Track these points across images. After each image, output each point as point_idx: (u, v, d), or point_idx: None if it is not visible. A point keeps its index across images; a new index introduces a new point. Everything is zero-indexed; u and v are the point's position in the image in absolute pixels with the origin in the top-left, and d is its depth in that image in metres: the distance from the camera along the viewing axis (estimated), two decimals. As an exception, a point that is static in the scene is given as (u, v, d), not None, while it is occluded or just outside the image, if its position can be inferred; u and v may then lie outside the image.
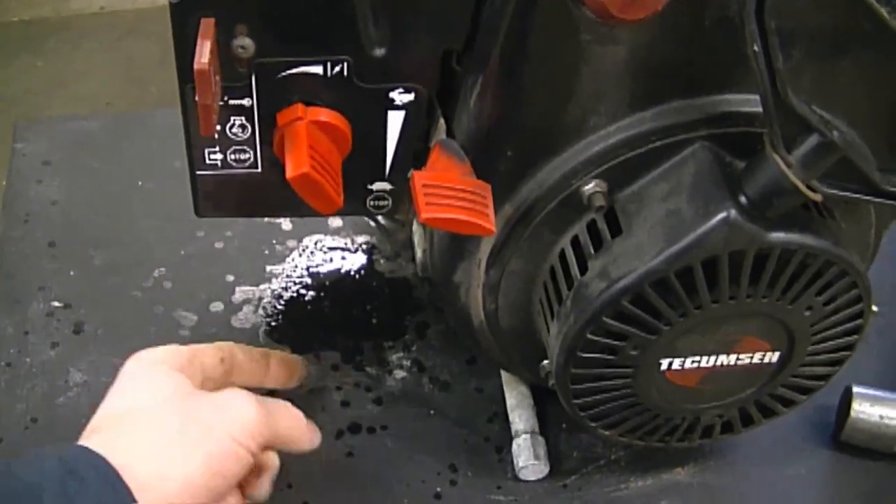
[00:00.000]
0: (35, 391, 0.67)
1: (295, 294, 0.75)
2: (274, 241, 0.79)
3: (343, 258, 0.78)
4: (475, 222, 0.49)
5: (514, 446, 0.65)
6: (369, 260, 0.78)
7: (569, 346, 0.54)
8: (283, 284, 0.76)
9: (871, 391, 0.65)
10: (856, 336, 0.56)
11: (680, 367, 0.55)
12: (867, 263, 0.60)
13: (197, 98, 0.46)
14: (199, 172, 0.55)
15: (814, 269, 0.52)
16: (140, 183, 0.82)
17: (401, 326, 0.74)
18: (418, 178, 0.50)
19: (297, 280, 0.76)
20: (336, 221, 0.80)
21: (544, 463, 0.64)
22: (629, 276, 0.51)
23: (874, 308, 0.56)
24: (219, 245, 0.78)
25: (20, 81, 2.17)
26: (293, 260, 0.78)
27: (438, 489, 0.64)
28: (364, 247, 0.79)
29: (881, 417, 0.65)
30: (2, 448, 0.64)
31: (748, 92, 0.51)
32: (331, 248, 0.79)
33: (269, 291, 0.75)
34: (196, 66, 0.45)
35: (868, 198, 0.49)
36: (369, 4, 0.49)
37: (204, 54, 0.46)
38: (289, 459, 0.64)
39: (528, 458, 0.64)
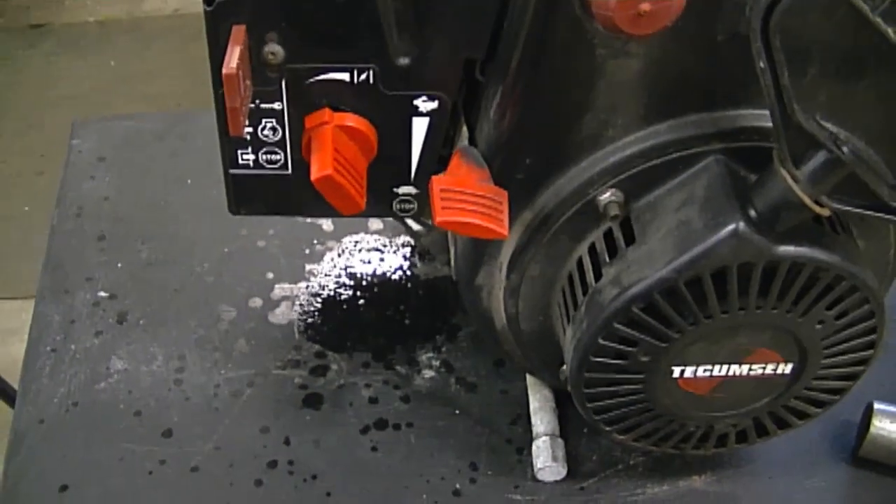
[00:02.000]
0: (77, 377, 0.71)
1: (332, 293, 0.78)
2: (315, 241, 0.81)
3: (381, 259, 0.80)
4: (488, 227, 0.51)
5: (534, 448, 0.66)
6: (406, 262, 0.80)
7: (582, 351, 0.55)
8: (321, 283, 0.78)
9: (892, 408, 0.66)
10: (870, 352, 0.57)
11: (692, 376, 0.56)
12: (887, 281, 0.61)
13: (226, 101, 0.49)
14: (232, 171, 0.58)
15: (824, 283, 0.52)
16: (189, 181, 0.85)
17: (433, 328, 0.75)
18: (436, 182, 0.52)
19: (335, 279, 0.79)
20: (376, 223, 0.82)
21: (562, 465, 0.65)
22: (640, 283, 0.52)
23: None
24: (261, 243, 0.81)
25: (91, 80, 2.24)
26: (332, 260, 0.80)
27: (458, 486, 0.66)
28: (402, 249, 0.81)
29: (901, 434, 0.65)
30: (42, 429, 0.68)
31: (762, 107, 0.52)
32: (369, 250, 0.81)
33: (306, 289, 0.78)
34: (224, 71, 0.48)
35: (877, 214, 0.50)
36: (394, 15, 0.51)
37: (233, 60, 0.48)
38: (314, 452, 0.67)
39: (546, 459, 0.65)
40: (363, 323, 0.76)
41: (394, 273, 0.79)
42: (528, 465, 0.67)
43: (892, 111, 0.51)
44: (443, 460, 0.67)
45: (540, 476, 0.65)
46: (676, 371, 0.56)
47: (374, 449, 0.68)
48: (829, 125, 0.53)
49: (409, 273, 0.79)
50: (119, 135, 0.90)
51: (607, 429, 0.60)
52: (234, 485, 0.65)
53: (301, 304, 0.77)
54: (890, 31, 0.44)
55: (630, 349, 0.55)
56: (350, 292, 0.78)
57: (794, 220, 0.50)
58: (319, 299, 0.77)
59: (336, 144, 0.53)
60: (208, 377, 0.71)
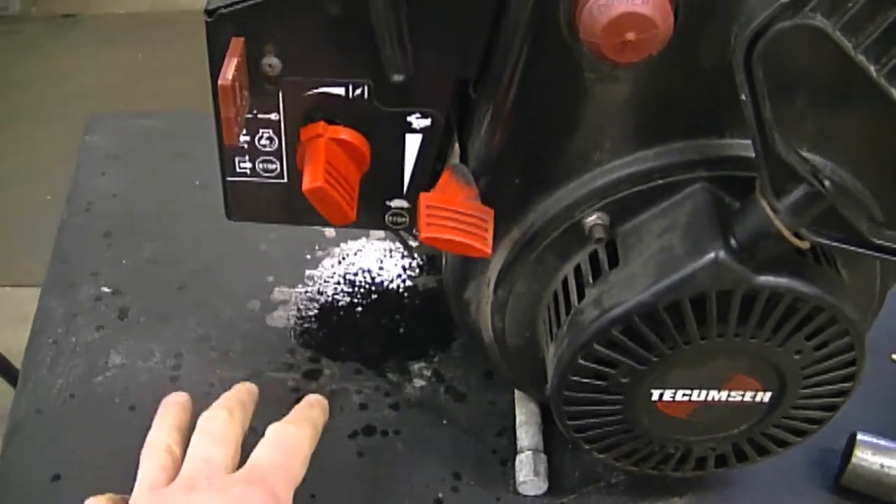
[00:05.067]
0: (76, 369, 0.72)
1: (329, 299, 0.79)
2: (316, 247, 0.83)
3: (380, 268, 0.81)
4: (471, 244, 0.52)
5: (517, 461, 0.67)
6: (405, 272, 0.81)
7: (562, 370, 0.56)
8: (320, 288, 0.80)
9: (875, 440, 0.66)
10: (850, 384, 0.57)
11: (671, 399, 0.57)
12: (872, 313, 0.61)
13: (220, 111, 0.50)
14: (229, 179, 0.59)
15: (803, 313, 0.53)
16: (197, 182, 0.87)
17: (426, 338, 0.77)
18: (424, 198, 0.53)
19: (334, 285, 0.80)
20: (378, 233, 0.84)
21: (543, 480, 0.66)
22: (620, 306, 0.53)
23: (893, 357, 0.57)
24: (263, 247, 0.82)
25: (118, 72, 2.27)
26: (332, 266, 0.81)
27: (440, 494, 0.67)
28: (402, 259, 0.82)
29: (882, 466, 0.65)
30: (40, 419, 0.69)
31: (749, 137, 0.53)
32: (369, 258, 0.82)
33: (304, 294, 0.79)
34: (220, 82, 0.49)
35: (855, 248, 0.50)
36: (388, 33, 0.52)
37: (229, 71, 0.50)
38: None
39: (528, 473, 0.66)
40: (358, 330, 0.77)
41: (392, 282, 0.80)
42: (510, 478, 0.67)
43: (879, 144, 0.52)
44: (427, 468, 0.68)
45: (521, 489, 0.66)
46: (655, 393, 0.57)
47: (360, 454, 0.69)
48: (815, 157, 0.54)
49: (407, 283, 0.80)
50: (133, 132, 0.91)
51: (587, 446, 0.61)
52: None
53: (298, 309, 0.78)
54: (872, 68, 0.45)
55: (609, 370, 0.56)
56: (348, 299, 0.79)
57: (773, 250, 0.50)
58: (317, 304, 0.79)
59: (329, 157, 0.54)
60: (203, 376, 0.73)
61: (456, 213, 0.53)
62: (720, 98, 0.52)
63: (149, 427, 0.68)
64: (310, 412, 0.62)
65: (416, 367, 0.75)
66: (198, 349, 0.74)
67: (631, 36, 0.46)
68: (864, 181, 0.55)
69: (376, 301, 0.79)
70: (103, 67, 2.31)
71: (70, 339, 0.74)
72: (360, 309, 0.78)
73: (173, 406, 0.61)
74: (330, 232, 0.83)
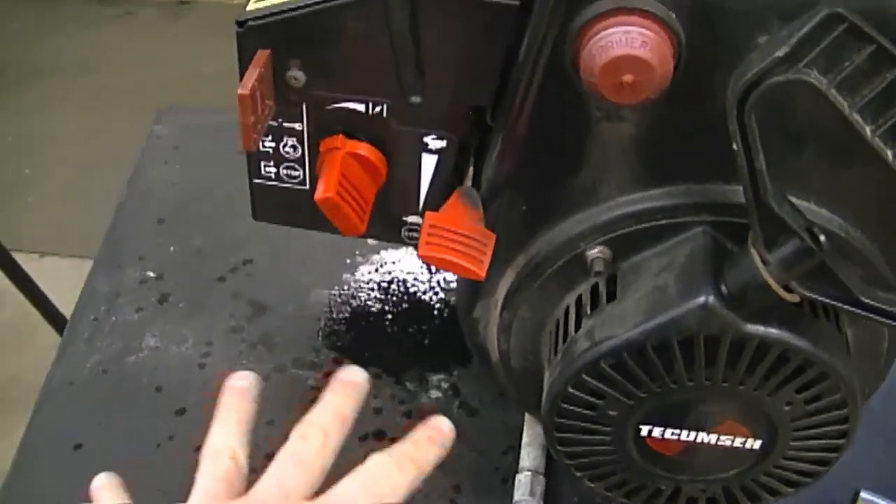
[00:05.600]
0: (112, 347, 0.76)
1: (361, 304, 0.81)
2: (356, 253, 0.85)
3: (416, 279, 0.83)
4: (465, 266, 0.54)
5: (516, 480, 0.68)
6: (438, 286, 0.83)
7: (553, 396, 0.57)
8: (353, 293, 0.82)
9: (877, 499, 0.65)
10: (842, 440, 0.57)
11: (660, 436, 0.58)
12: (879, 372, 0.60)
13: (240, 117, 0.53)
14: (255, 181, 0.62)
15: (793, 365, 0.53)
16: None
17: (449, 352, 0.78)
18: (428, 217, 0.55)
19: (367, 292, 0.82)
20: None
21: (538, 501, 0.67)
22: (609, 341, 0.54)
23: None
24: (305, 249, 0.85)
25: (228, 61, 2.34)
26: (368, 273, 0.84)
27: (437, 505, 0.69)
28: (438, 273, 0.84)
29: (883, 526, 0.64)
30: (71, 390, 0.73)
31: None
32: (406, 269, 0.84)
33: (338, 297, 0.82)
34: (239, 91, 0.52)
35: (846, 307, 0.50)
36: (407, 56, 0.54)
37: (249, 81, 0.52)
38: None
39: (524, 493, 0.67)
40: (385, 337, 0.79)
41: (425, 294, 0.82)
42: (508, 497, 0.69)
43: (884, 202, 0.52)
44: (429, 478, 0.70)
45: (516, 509, 0.68)
46: (644, 429, 0.57)
47: (367, 457, 0.71)
48: (822, 210, 0.54)
49: (439, 296, 0.82)
50: (199, 126, 0.95)
51: (578, 474, 0.62)
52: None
53: (330, 310, 0.81)
54: (867, 129, 0.45)
55: (598, 401, 0.56)
56: (379, 306, 0.81)
57: (761, 300, 0.51)
58: (349, 308, 0.81)
59: (344, 169, 0.56)
60: (230, 365, 0.76)
61: (456, 235, 0.54)
62: (727, 144, 0.52)
63: (172, 408, 0.72)
64: (426, 451, 0.55)
65: (434, 378, 0.76)
66: (228, 339, 0.78)
67: (628, 78, 0.47)
68: (871, 238, 0.54)
69: (406, 311, 0.81)
70: (213, 55, 2.38)
71: (111, 317, 0.78)
72: (389, 317, 0.81)
73: (238, 398, 0.56)
74: (371, 240, 0.86)
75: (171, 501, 0.51)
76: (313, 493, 0.52)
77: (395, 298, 0.82)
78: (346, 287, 0.82)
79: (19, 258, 1.63)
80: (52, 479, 0.68)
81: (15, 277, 1.44)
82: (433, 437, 0.56)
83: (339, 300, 0.81)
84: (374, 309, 0.81)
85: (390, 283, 0.83)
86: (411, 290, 0.82)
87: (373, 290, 0.82)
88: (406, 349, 0.78)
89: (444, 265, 0.54)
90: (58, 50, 2.50)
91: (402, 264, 0.84)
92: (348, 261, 0.84)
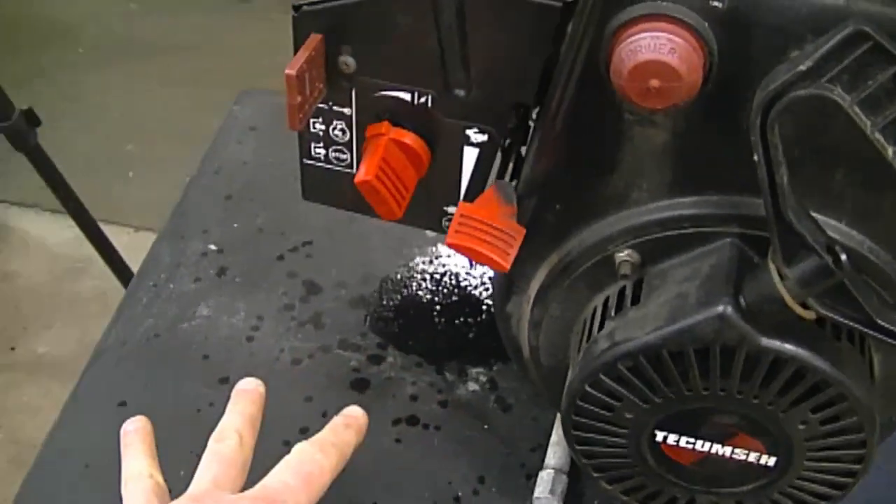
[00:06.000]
0: (166, 313, 0.79)
1: (412, 293, 0.83)
2: (413, 243, 0.87)
3: (467, 273, 0.85)
4: (490, 256, 0.55)
5: (539, 477, 0.69)
6: (490, 282, 0.84)
7: (572, 394, 0.58)
8: (405, 282, 0.84)
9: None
10: (859, 466, 0.56)
11: (675, 444, 0.58)
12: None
13: (287, 97, 0.55)
14: (305, 161, 0.64)
15: (808, 384, 0.53)
16: (321, 164, 0.93)
17: (492, 347, 0.79)
18: (461, 207, 0.57)
19: (419, 281, 0.84)
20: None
21: (558, 500, 0.68)
22: (628, 342, 0.55)
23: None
24: (365, 234, 0.87)
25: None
26: (422, 263, 0.85)
27: (460, 493, 0.70)
28: (488, 269, 0.85)
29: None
30: (122, 351, 0.77)
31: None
32: (458, 262, 0.86)
33: (390, 284, 0.84)
34: (286, 71, 0.54)
35: (861, 328, 0.50)
36: (454, 50, 0.55)
37: (298, 63, 0.54)
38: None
39: (544, 490, 0.68)
40: (430, 327, 0.81)
41: (475, 289, 0.84)
42: (530, 492, 0.70)
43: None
44: (456, 466, 0.72)
45: (536, 504, 0.68)
46: (660, 435, 0.58)
47: (397, 440, 0.73)
48: (853, 232, 0.54)
49: (489, 291, 0.83)
50: (276, 108, 0.98)
51: (595, 475, 0.62)
52: (263, 438, 0.72)
53: (381, 297, 0.83)
54: (890, 150, 0.45)
55: (615, 402, 0.57)
56: (429, 297, 0.83)
57: (777, 315, 0.51)
58: (399, 296, 0.83)
59: (386, 155, 0.58)
60: (277, 341, 0.79)
61: (486, 226, 0.55)
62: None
63: (216, 377, 0.75)
64: (343, 436, 0.62)
65: (473, 371, 0.78)
66: (278, 316, 0.80)
67: (655, 83, 0.48)
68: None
69: (455, 303, 0.83)
70: (283, 44, 2.43)
71: (169, 285, 0.81)
72: (438, 308, 0.82)
73: (245, 398, 0.63)
74: (429, 231, 0.87)
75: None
76: (241, 486, 0.58)
77: (445, 291, 0.83)
78: (398, 276, 0.84)
79: (114, 230, 1.70)
80: (94, 432, 0.72)
81: (101, 248, 1.50)
82: (349, 423, 0.63)
83: (390, 288, 0.83)
84: (424, 300, 0.83)
85: (443, 275, 0.84)
86: (462, 283, 0.84)
87: (425, 280, 0.84)
88: (449, 340, 0.80)
89: (470, 254, 0.56)
90: (170, 30, 2.58)
91: (457, 258, 0.86)
92: (405, 250, 0.86)
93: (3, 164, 1.58)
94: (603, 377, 0.56)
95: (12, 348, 1.97)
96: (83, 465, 0.70)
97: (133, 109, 2.40)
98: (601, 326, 0.58)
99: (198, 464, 0.59)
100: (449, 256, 0.86)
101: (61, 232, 2.07)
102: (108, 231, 1.57)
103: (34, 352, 1.95)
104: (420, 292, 0.83)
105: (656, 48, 0.47)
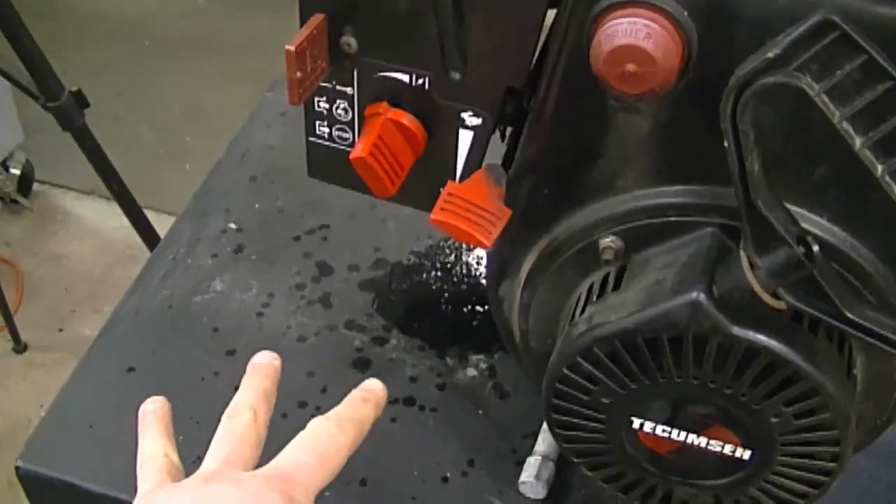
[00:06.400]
0: (182, 286, 0.82)
1: (421, 279, 0.84)
2: (427, 231, 0.88)
3: (478, 262, 0.86)
4: (471, 233, 0.56)
5: (526, 462, 0.70)
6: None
7: (551, 376, 0.59)
8: (417, 268, 0.85)
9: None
10: (833, 464, 0.56)
11: (651, 431, 0.59)
12: (889, 408, 0.59)
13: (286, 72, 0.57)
14: (310, 139, 0.66)
15: (781, 376, 0.53)
16: (346, 151, 0.95)
17: (494, 336, 0.80)
18: (450, 186, 0.58)
19: (429, 268, 0.85)
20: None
21: (542, 486, 0.69)
22: (605, 326, 0.56)
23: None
24: (384, 220, 0.89)
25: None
26: (433, 251, 0.87)
27: (448, 475, 0.71)
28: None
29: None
30: (136, 319, 0.79)
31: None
32: (472, 253, 0.87)
33: (401, 269, 0.85)
34: (287, 46, 0.56)
35: (830, 320, 0.50)
36: (451, 33, 0.57)
37: (298, 39, 0.56)
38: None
39: (529, 475, 0.69)
40: (436, 313, 0.82)
41: (485, 279, 0.85)
42: (517, 477, 0.70)
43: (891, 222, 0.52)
44: (446, 449, 0.73)
45: (521, 489, 0.69)
46: (636, 422, 0.58)
47: (392, 420, 0.74)
48: (835, 228, 0.54)
49: (498, 281, 0.84)
50: (307, 97, 1.00)
51: (576, 460, 0.63)
52: (262, 410, 0.74)
53: (390, 280, 0.84)
54: (857, 140, 0.45)
55: (592, 386, 0.58)
56: (438, 284, 0.84)
57: (746, 304, 0.51)
58: (409, 281, 0.84)
59: (382, 133, 0.60)
60: (285, 318, 0.80)
61: (471, 205, 0.57)
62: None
63: (224, 349, 0.77)
64: (361, 410, 0.59)
65: (474, 357, 0.79)
66: (289, 294, 0.82)
67: (631, 68, 0.48)
68: (885, 261, 0.54)
69: (463, 292, 0.84)
70: None
71: (187, 259, 0.84)
72: (446, 295, 0.84)
73: (260, 371, 0.61)
74: (444, 221, 0.89)
75: (203, 432, 0.57)
76: (254, 463, 0.55)
77: (455, 279, 0.85)
78: (409, 260, 0.86)
79: (167, 221, 1.74)
80: (102, 395, 0.74)
81: (144, 235, 1.54)
82: (367, 397, 0.59)
83: (401, 273, 0.85)
84: (433, 286, 0.84)
85: (454, 263, 0.86)
86: (473, 272, 0.85)
87: (436, 267, 0.85)
88: (454, 326, 0.81)
89: (453, 232, 0.57)
90: (237, 27, 2.63)
91: (472, 250, 0.87)
92: (418, 237, 0.88)
93: (63, 152, 1.63)
94: (580, 360, 0.57)
95: (60, 329, 2.02)
96: (87, 424, 0.72)
97: (194, 103, 2.45)
98: (583, 311, 0.59)
99: (201, 434, 0.59)
100: (460, 246, 0.87)
101: (117, 219, 2.12)
102: (160, 220, 1.61)
103: (82, 334, 2.00)
104: (430, 279, 0.85)
105: (633, 33, 0.48)
